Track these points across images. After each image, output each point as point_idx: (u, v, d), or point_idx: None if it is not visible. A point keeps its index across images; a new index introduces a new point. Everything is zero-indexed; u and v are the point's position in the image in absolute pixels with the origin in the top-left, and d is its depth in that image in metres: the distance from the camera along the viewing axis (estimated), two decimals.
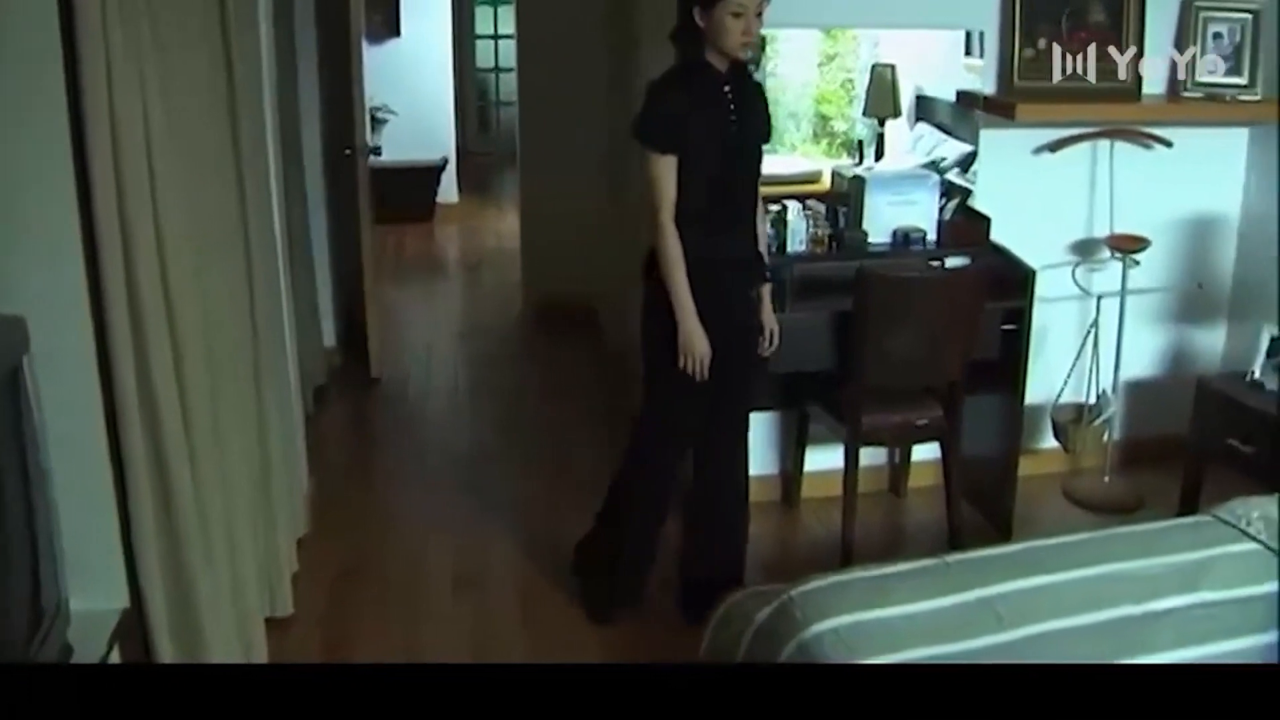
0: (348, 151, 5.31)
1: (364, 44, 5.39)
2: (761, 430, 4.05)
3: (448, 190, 9.46)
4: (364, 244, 5.42)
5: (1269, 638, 2.44)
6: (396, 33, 9.07)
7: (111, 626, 2.37)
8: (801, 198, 3.86)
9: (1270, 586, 2.65)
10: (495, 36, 11.32)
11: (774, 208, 3.80)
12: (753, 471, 3.81)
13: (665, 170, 3.05)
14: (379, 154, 6.21)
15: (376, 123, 8.66)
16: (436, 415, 5.25)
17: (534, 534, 4.00)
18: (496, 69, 11.42)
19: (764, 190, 3.33)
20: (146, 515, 2.47)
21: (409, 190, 8.84)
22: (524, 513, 4.19)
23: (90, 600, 2.35)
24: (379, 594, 3.62)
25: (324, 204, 5.49)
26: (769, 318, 3.41)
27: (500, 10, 11.05)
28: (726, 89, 3.13)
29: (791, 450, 4.15)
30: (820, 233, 3.82)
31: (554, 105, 6.15)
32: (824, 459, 4.03)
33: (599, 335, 6.08)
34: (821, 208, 3.87)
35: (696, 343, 3.11)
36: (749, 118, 3.21)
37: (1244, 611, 2.54)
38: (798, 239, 3.75)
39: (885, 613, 2.49)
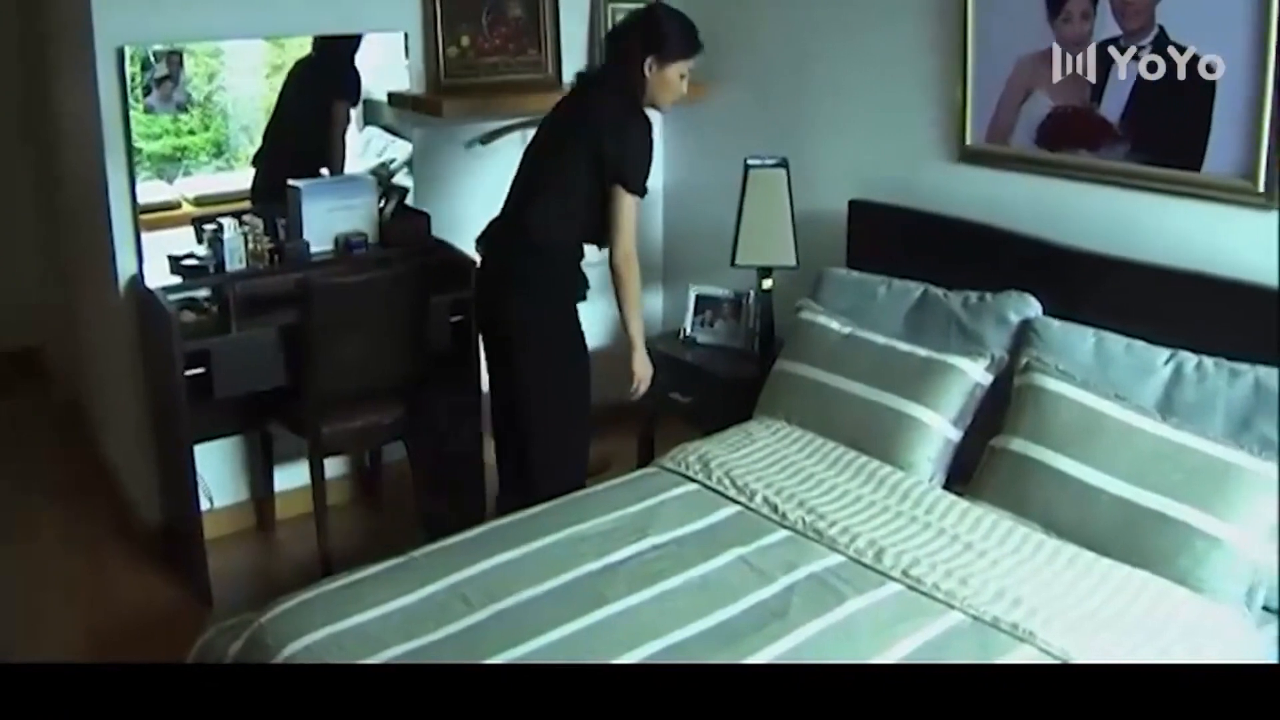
0: None
1: None
2: (225, 457, 3.91)
3: None
4: None
5: (707, 567, 2.66)
6: None
7: None
8: (238, 214, 3.74)
9: (708, 519, 2.90)
10: None
11: (209, 227, 3.67)
12: (222, 501, 3.66)
13: (638, 212, 3.27)
14: None
15: None
16: None
17: None
18: None
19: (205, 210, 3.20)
20: None
21: None
22: None
23: None
24: None
25: None
26: None
27: None
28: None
29: (260, 473, 4.00)
30: (260, 247, 3.71)
31: None
32: (295, 476, 3.95)
33: (48, 382, 5.51)
34: (259, 222, 3.75)
35: (649, 365, 3.44)
36: None
37: (685, 548, 2.75)
38: (236, 256, 3.63)
39: (359, 619, 2.47)
